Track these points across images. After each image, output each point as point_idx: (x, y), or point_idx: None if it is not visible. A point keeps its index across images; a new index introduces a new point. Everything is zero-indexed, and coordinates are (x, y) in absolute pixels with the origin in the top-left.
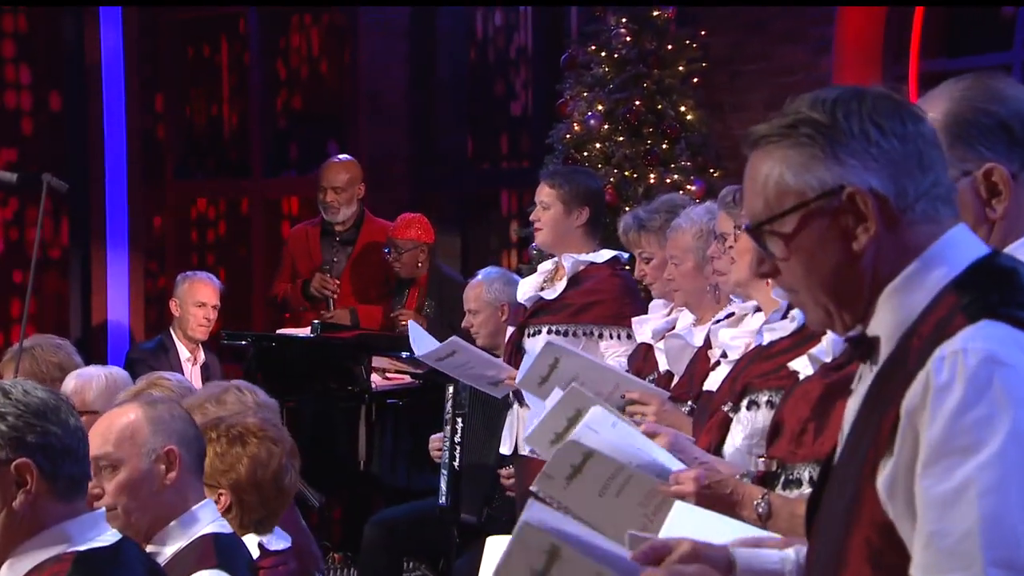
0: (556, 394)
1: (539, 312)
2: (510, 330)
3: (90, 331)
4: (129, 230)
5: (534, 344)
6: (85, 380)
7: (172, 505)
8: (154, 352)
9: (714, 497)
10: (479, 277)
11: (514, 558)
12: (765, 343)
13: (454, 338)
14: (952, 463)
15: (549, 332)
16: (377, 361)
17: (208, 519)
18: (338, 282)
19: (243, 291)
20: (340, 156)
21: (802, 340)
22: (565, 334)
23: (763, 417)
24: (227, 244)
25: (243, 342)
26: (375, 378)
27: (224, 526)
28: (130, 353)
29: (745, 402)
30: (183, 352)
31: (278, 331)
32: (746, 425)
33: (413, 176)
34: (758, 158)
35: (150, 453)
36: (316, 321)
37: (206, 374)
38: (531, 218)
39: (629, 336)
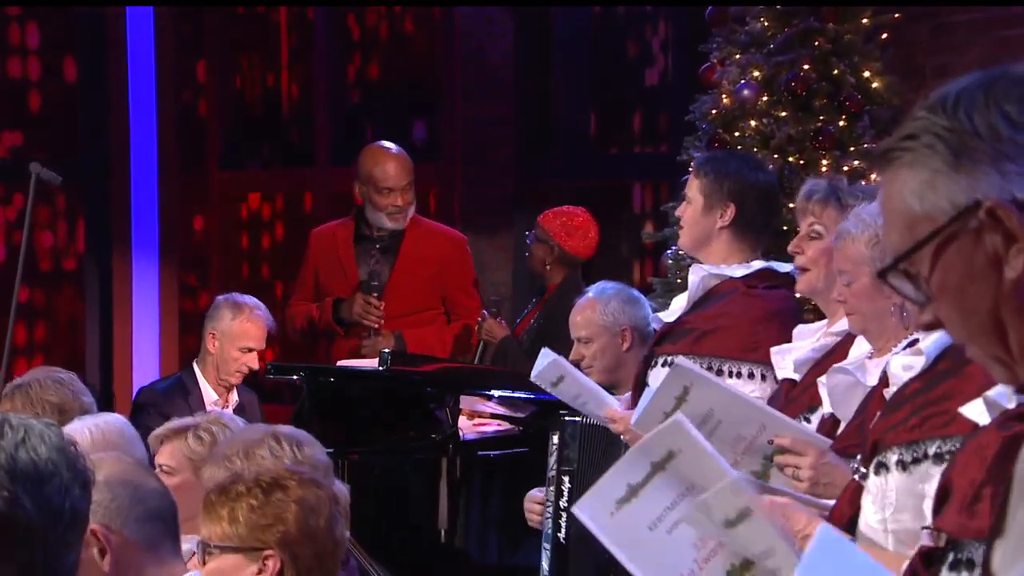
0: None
1: (664, 338)
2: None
3: (110, 362)
4: (161, 234)
5: (656, 378)
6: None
7: None
8: (168, 394)
9: None
10: (589, 294)
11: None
12: (895, 381)
13: (556, 358)
14: None
15: (664, 365)
16: (466, 402)
17: None
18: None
19: None
20: (386, 144)
21: (936, 378)
22: None
23: (894, 484)
24: (286, 251)
25: (294, 377)
26: (463, 424)
27: None
28: (138, 397)
29: (874, 464)
30: (208, 394)
31: (339, 363)
32: (876, 496)
33: (521, 164)
34: (886, 180)
35: None
36: (386, 351)
37: (242, 417)
38: (676, 213)
39: (764, 376)
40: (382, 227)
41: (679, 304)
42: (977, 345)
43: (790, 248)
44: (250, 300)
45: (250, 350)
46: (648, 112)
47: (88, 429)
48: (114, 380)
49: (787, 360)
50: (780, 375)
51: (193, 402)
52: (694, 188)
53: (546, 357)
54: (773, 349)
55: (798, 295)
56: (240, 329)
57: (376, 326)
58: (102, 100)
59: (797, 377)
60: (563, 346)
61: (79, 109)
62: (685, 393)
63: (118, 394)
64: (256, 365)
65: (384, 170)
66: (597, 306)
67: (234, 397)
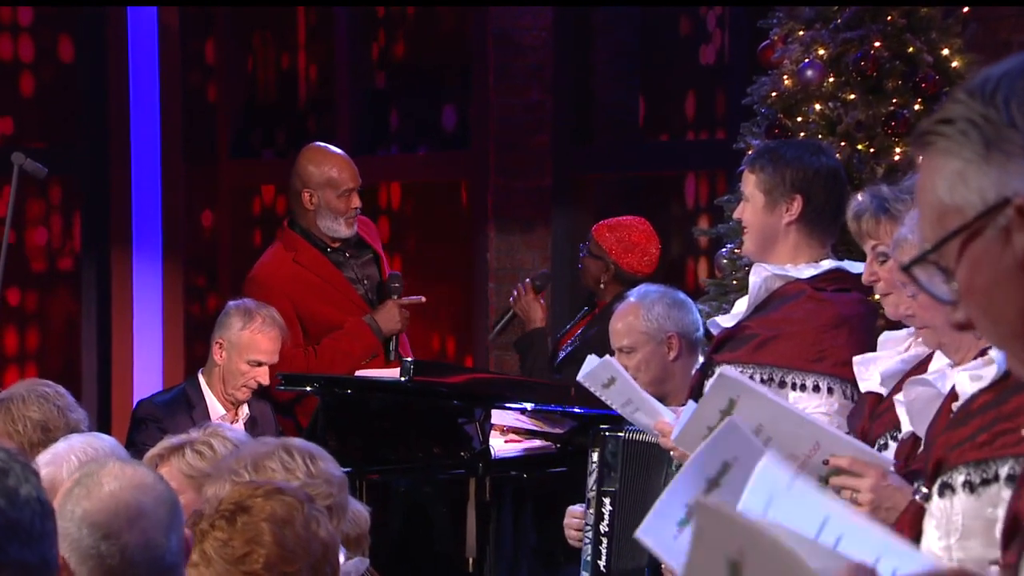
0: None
1: (722, 345)
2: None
3: (108, 373)
4: (164, 230)
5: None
6: (55, 467)
7: None
8: (169, 408)
9: None
10: (631, 299)
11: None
12: (960, 395)
13: (608, 359)
14: None
15: None
16: (498, 417)
17: None
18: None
19: None
20: (324, 144)
21: (1009, 391)
22: None
23: (960, 508)
24: None
25: (307, 388)
26: (494, 440)
27: None
28: (137, 410)
29: (937, 485)
30: (215, 408)
31: (357, 373)
32: (940, 520)
33: (560, 153)
34: (922, 166)
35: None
36: (409, 359)
37: (254, 432)
38: (735, 215)
39: (832, 389)
40: (337, 236)
41: (740, 308)
42: (1009, 351)
43: (864, 279)
44: (264, 308)
45: (260, 364)
46: (702, 95)
47: (74, 453)
48: (112, 392)
49: (872, 371)
50: (864, 388)
51: (197, 416)
52: (751, 185)
53: (594, 360)
54: (856, 359)
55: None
56: (250, 340)
57: (404, 329)
58: (100, 83)
59: (884, 391)
60: None
61: (75, 93)
62: (731, 406)
63: (116, 408)
64: (266, 380)
65: (342, 170)
66: (640, 311)
67: (244, 410)
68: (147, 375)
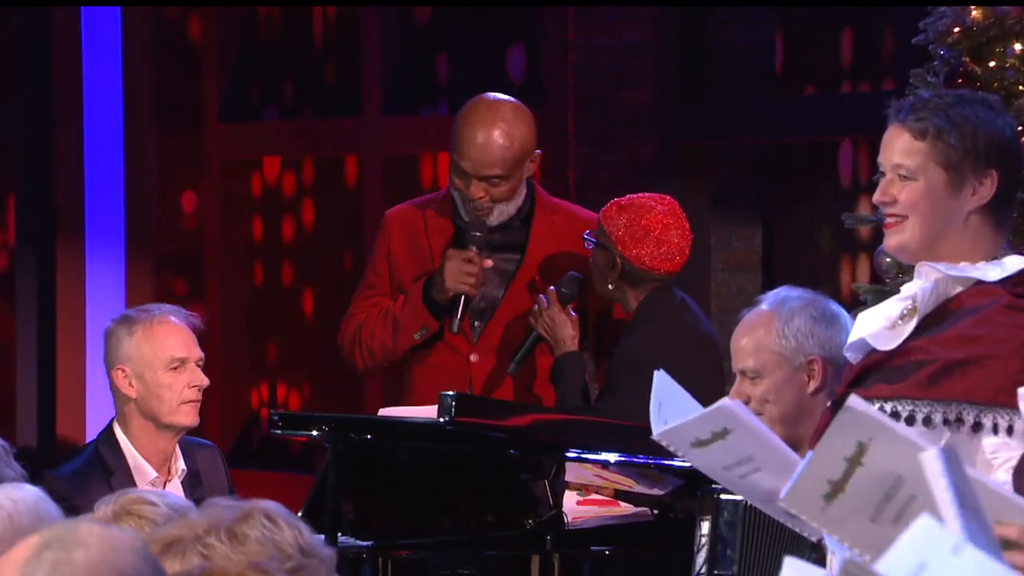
0: None
1: (869, 373)
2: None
3: (51, 404)
4: (129, 218)
5: None
6: None
7: None
8: (80, 480)
9: None
10: (763, 307)
11: None
12: None
13: (727, 402)
14: None
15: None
16: (573, 472)
17: None
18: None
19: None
20: (493, 95)
21: None
22: (911, 419)
23: None
24: (319, 243)
25: (312, 433)
26: (568, 501)
27: None
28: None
29: None
30: (141, 469)
31: (381, 411)
32: None
33: (665, 112)
34: None
35: None
36: (450, 393)
37: (197, 493)
38: (876, 199)
39: None
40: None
41: (885, 316)
42: None
43: None
44: (147, 305)
45: (180, 362)
46: (860, 34)
47: (7, 514)
48: (57, 429)
49: None
50: None
51: (118, 484)
52: (919, 155)
53: (683, 403)
54: None
55: None
56: (150, 342)
57: (474, 292)
58: (42, 21)
59: None
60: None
61: (9, 36)
62: (860, 452)
63: (64, 451)
64: (205, 380)
65: (462, 137)
66: (774, 324)
67: (180, 464)
68: (103, 408)
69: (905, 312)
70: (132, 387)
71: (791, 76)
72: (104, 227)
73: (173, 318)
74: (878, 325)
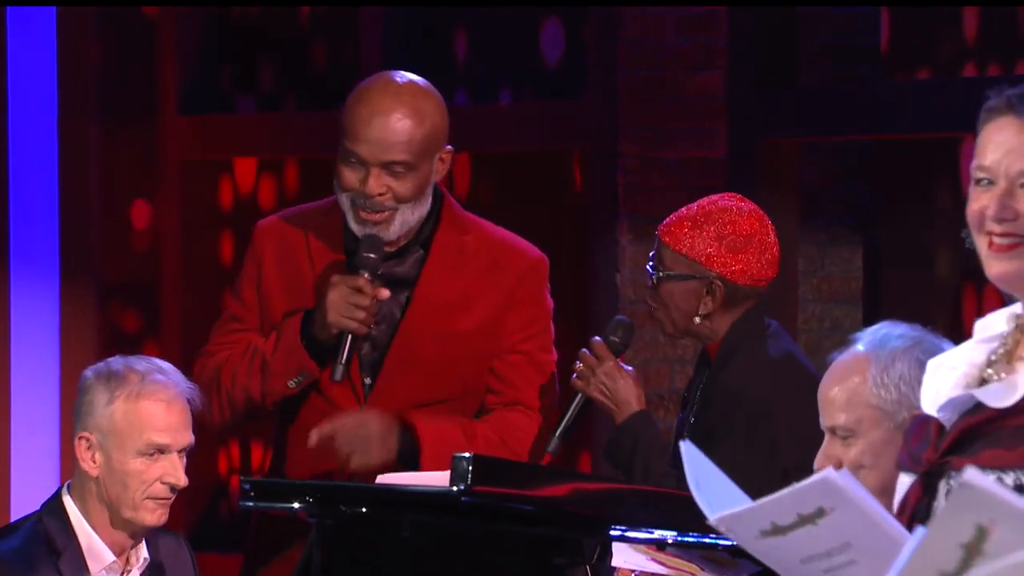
0: None
1: (970, 438)
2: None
3: None
4: (64, 235)
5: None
6: None
7: None
8: (22, 560)
9: None
10: (858, 348)
11: None
12: None
13: (831, 473)
14: None
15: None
16: (621, 555)
17: None
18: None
19: None
20: (399, 75)
21: None
22: None
23: None
24: None
25: (294, 505)
26: None
27: None
28: None
29: None
30: (96, 552)
31: (379, 478)
32: None
33: (742, 103)
34: None
35: None
36: (466, 456)
37: None
38: (993, 214)
39: None
40: (370, 232)
41: (969, 363)
42: None
43: None
44: (142, 361)
45: (161, 449)
46: (988, 7)
47: None
48: None
49: None
50: None
51: (67, 568)
52: None
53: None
54: None
55: None
56: (129, 417)
57: (365, 330)
58: None
59: None
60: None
61: None
62: (982, 537)
63: None
64: (182, 478)
65: (354, 114)
66: (871, 370)
67: (142, 553)
68: (33, 473)
69: (993, 358)
70: (94, 463)
71: (900, 56)
72: (33, 249)
73: (165, 392)
74: (972, 378)
